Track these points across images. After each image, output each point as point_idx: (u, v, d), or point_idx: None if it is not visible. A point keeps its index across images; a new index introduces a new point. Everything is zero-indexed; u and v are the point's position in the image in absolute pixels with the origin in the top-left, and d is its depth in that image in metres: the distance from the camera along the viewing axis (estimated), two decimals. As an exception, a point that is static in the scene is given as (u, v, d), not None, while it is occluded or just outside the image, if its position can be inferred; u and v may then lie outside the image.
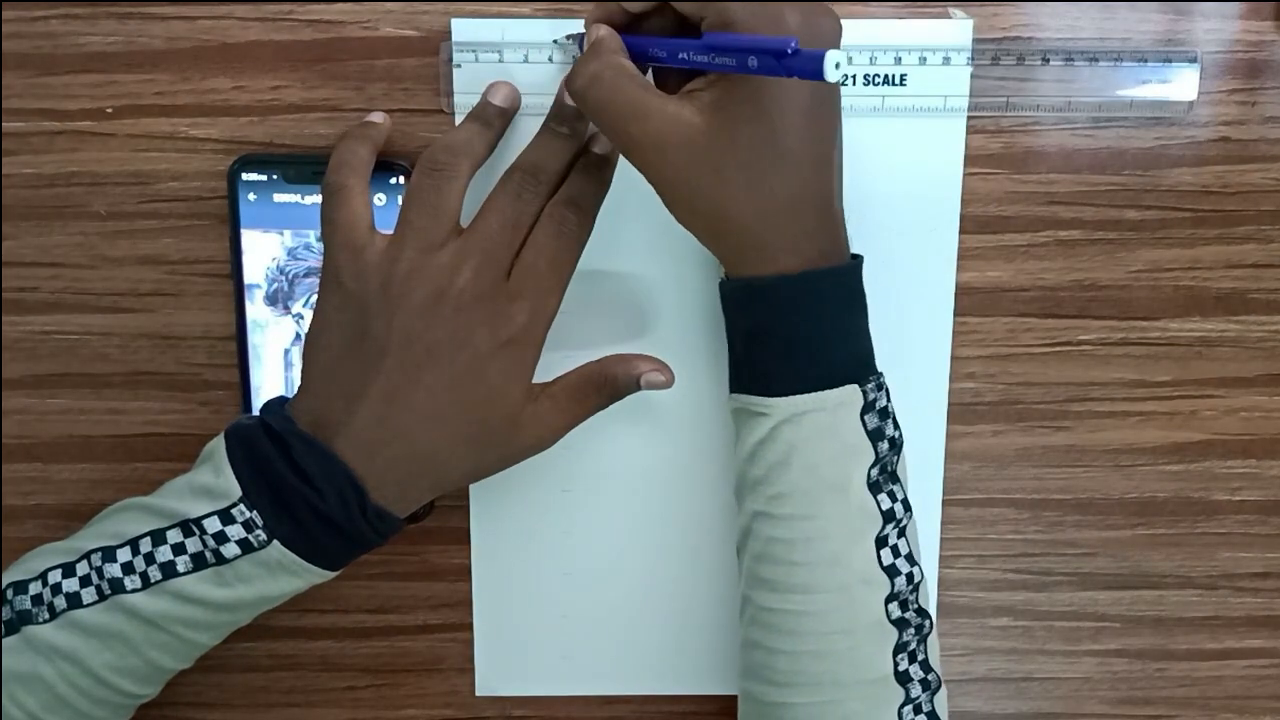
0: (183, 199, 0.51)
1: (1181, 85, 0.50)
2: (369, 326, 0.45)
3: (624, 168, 0.49)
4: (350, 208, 0.46)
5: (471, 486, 0.54)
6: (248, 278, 0.51)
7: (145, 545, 0.45)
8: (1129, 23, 0.50)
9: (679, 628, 0.55)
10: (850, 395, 0.44)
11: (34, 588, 0.45)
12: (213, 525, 0.44)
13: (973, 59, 0.49)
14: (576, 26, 0.49)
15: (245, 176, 0.50)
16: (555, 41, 0.49)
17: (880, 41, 0.49)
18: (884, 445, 0.45)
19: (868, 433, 0.45)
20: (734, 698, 0.56)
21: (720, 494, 0.54)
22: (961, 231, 0.51)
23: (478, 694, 0.56)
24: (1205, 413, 0.54)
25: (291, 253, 0.51)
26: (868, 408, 0.45)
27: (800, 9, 0.42)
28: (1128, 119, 0.50)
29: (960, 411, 0.54)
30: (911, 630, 0.45)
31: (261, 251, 0.51)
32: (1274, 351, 0.53)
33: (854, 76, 0.49)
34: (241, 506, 0.44)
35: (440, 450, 0.46)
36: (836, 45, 0.43)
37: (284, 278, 0.51)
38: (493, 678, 0.56)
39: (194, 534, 0.44)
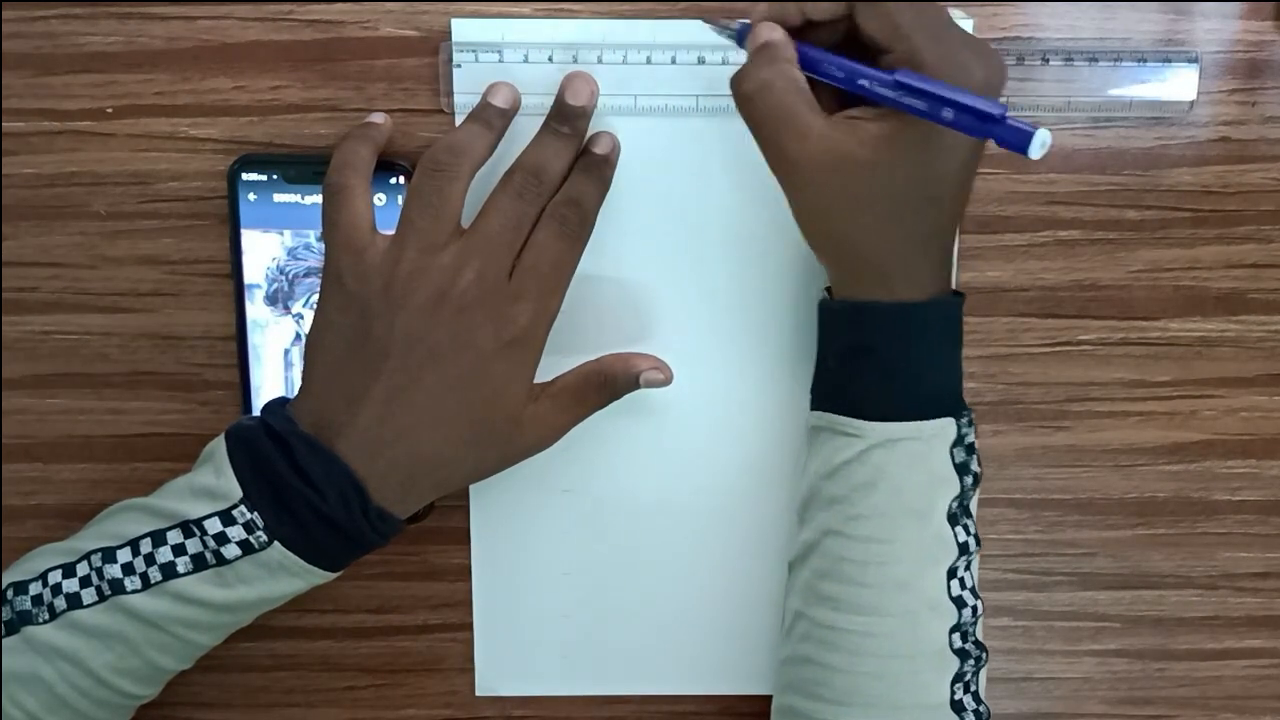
0: (183, 199, 0.51)
1: (1181, 85, 0.49)
2: (371, 327, 0.45)
3: (623, 167, 0.49)
4: (352, 208, 0.46)
5: (471, 486, 0.53)
6: (248, 278, 0.51)
7: (145, 546, 0.45)
8: (1129, 23, 0.49)
9: (679, 628, 0.55)
10: (945, 428, 0.45)
11: (34, 588, 0.45)
12: (213, 526, 0.44)
13: (973, 59, 0.49)
14: (582, 26, 0.48)
15: (245, 176, 0.50)
16: (704, 20, 0.46)
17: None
18: (968, 480, 0.45)
19: (955, 466, 0.45)
20: (734, 698, 0.56)
21: (720, 494, 0.54)
22: (961, 231, 0.51)
23: (478, 694, 0.56)
24: (1205, 413, 0.54)
25: (291, 253, 0.51)
26: (958, 441, 0.45)
27: (984, 63, 0.41)
28: (1128, 119, 0.50)
29: (960, 411, 0.54)
30: (971, 661, 0.46)
31: (261, 251, 0.51)
32: (1274, 351, 0.53)
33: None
34: (242, 507, 0.44)
35: (442, 451, 0.46)
36: (1001, 93, 0.42)
37: (284, 278, 0.51)
38: (493, 678, 0.56)
39: (194, 535, 0.44)
